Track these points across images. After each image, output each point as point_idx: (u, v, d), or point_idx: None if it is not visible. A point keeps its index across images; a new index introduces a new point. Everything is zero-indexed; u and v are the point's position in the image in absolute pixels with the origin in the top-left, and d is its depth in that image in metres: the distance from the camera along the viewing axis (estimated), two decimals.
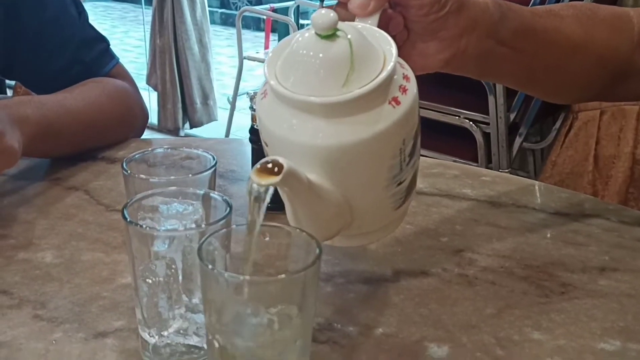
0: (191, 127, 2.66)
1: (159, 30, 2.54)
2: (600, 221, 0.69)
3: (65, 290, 0.57)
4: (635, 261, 0.62)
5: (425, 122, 0.49)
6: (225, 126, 2.66)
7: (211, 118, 2.67)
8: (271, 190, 0.41)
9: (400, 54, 0.45)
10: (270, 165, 0.41)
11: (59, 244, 0.64)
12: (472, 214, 0.70)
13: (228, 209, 0.47)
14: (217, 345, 0.42)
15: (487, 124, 1.67)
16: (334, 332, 0.52)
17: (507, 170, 1.66)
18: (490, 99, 1.64)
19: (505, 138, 1.67)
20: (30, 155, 0.76)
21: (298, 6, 2.79)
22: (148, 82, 2.62)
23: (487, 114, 1.66)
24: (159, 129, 2.60)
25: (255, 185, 0.40)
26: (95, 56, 0.86)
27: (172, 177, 0.53)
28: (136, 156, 0.56)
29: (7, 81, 1.76)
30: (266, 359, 0.41)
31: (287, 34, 2.23)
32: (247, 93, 0.69)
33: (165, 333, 0.48)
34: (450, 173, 0.80)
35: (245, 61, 2.63)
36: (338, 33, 0.43)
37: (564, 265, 0.61)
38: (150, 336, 0.48)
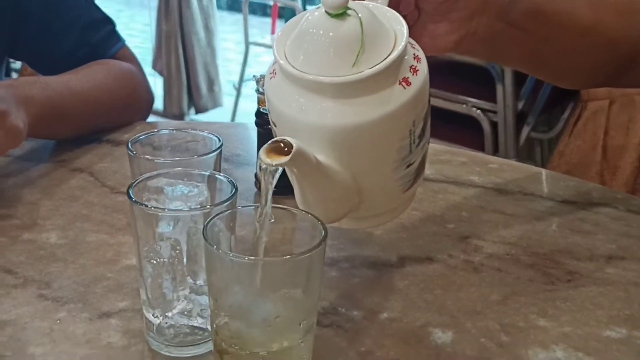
0: (196, 113, 2.66)
1: (165, 15, 2.53)
2: (608, 210, 0.68)
3: (70, 271, 0.57)
4: None
5: (431, 110, 0.48)
6: (230, 112, 2.65)
7: (216, 104, 2.66)
8: (280, 171, 0.41)
9: (411, 34, 0.45)
10: (279, 145, 0.40)
11: (64, 225, 0.64)
12: (479, 201, 0.70)
13: (233, 190, 0.46)
14: (221, 326, 0.41)
15: (495, 112, 1.66)
16: (338, 316, 0.52)
17: (514, 160, 1.65)
18: (498, 87, 1.63)
19: (513, 127, 1.66)
20: (35, 136, 0.75)
21: None
22: (154, 67, 2.61)
23: (495, 102, 1.65)
24: (164, 114, 2.59)
25: (264, 165, 0.40)
26: (101, 38, 0.86)
27: (178, 159, 0.53)
28: (141, 137, 0.56)
29: (13, 65, 1.76)
30: (270, 341, 0.41)
31: None
32: (254, 76, 0.69)
33: (170, 314, 0.48)
34: (458, 160, 0.79)
35: (251, 47, 2.61)
36: (348, 12, 0.43)
37: (570, 253, 0.61)
38: (155, 317, 0.48)
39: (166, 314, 0.48)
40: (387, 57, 0.43)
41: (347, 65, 0.42)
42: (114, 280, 0.56)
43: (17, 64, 1.67)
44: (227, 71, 3.01)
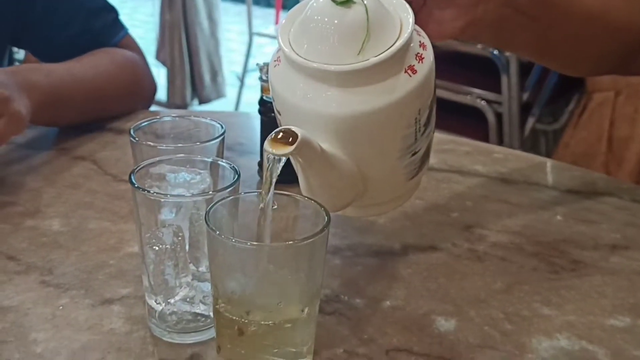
0: (200, 103, 2.65)
1: (169, 6, 2.52)
2: (612, 199, 0.68)
3: (72, 258, 0.57)
4: None
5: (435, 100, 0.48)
6: (233, 103, 2.64)
7: (220, 94, 2.65)
8: (284, 160, 0.40)
9: (417, 20, 0.44)
10: (284, 135, 0.40)
11: (66, 212, 0.63)
12: (483, 190, 0.70)
13: (236, 176, 0.46)
14: (223, 313, 0.41)
15: (499, 103, 1.65)
16: (341, 304, 0.51)
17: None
18: (503, 78, 1.62)
19: (518, 118, 1.65)
20: (38, 123, 0.75)
21: None
22: (157, 57, 2.60)
23: (500, 93, 1.63)
24: (168, 104, 2.59)
25: (269, 155, 0.39)
26: (104, 26, 0.85)
27: (180, 145, 0.53)
28: (144, 124, 0.55)
29: (16, 56, 1.75)
30: (273, 327, 0.41)
31: None
32: (257, 64, 0.69)
33: (172, 301, 0.48)
34: (462, 150, 0.79)
35: (254, 38, 2.60)
36: None
37: (575, 242, 0.60)
38: (157, 303, 0.48)
39: (168, 300, 0.47)
40: (392, 44, 0.42)
41: (353, 53, 0.42)
42: (116, 267, 0.55)
43: (20, 55, 1.67)
44: (231, 62, 3.00)
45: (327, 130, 0.43)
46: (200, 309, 0.48)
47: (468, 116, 1.68)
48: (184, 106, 2.58)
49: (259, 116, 0.69)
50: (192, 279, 0.48)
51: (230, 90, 2.76)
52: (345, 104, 0.43)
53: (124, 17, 0.90)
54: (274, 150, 0.40)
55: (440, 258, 0.58)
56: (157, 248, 0.46)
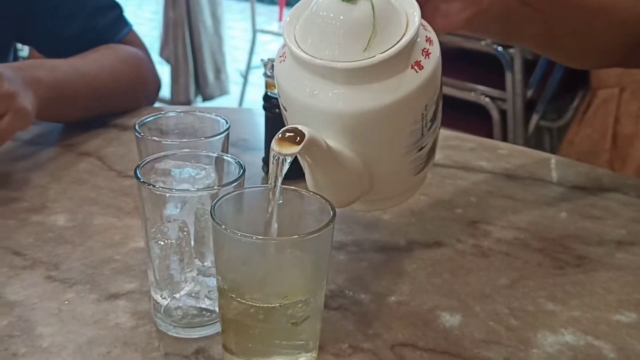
0: (203, 101, 2.65)
1: (173, 3, 2.52)
2: (618, 195, 0.67)
3: (78, 253, 0.57)
4: None
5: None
6: (237, 100, 2.65)
7: (223, 92, 2.66)
8: (290, 160, 0.40)
9: (423, 14, 0.44)
10: (291, 134, 0.40)
11: (72, 208, 0.64)
12: (488, 186, 0.70)
13: (241, 171, 0.46)
14: (228, 307, 0.41)
15: (504, 100, 1.64)
16: (346, 299, 0.51)
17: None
18: (508, 74, 1.61)
19: (522, 115, 1.64)
20: (43, 119, 0.75)
21: None
22: (161, 55, 2.61)
23: (504, 90, 1.63)
24: (171, 102, 2.59)
25: (276, 155, 0.40)
26: (109, 22, 0.85)
27: (185, 140, 0.53)
28: (149, 120, 0.56)
29: (20, 53, 1.76)
30: (278, 322, 0.41)
31: None
32: (262, 60, 0.68)
33: (177, 295, 0.48)
34: (467, 146, 0.78)
35: (258, 35, 2.60)
36: None
37: (580, 238, 0.60)
38: (163, 298, 0.48)
39: (174, 295, 0.48)
40: (399, 41, 0.42)
41: (359, 49, 0.42)
42: (121, 263, 0.56)
43: (24, 52, 1.67)
44: (234, 59, 3.00)
45: (333, 127, 0.43)
46: (205, 303, 0.48)
47: (472, 113, 1.68)
48: (187, 103, 2.58)
49: (262, 112, 0.69)
50: (198, 274, 0.48)
51: (234, 88, 2.77)
52: (351, 101, 0.43)
53: (128, 15, 0.90)
54: (281, 150, 0.40)
55: (445, 254, 0.58)
56: (162, 243, 0.46)
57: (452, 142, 0.79)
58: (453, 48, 1.60)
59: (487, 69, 1.63)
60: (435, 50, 0.45)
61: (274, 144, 0.40)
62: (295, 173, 0.45)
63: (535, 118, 1.69)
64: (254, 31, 2.59)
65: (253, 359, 0.42)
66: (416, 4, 0.44)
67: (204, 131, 0.56)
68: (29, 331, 0.47)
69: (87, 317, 0.49)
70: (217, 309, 0.47)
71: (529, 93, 1.65)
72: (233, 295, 0.41)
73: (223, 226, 0.39)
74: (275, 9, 3.22)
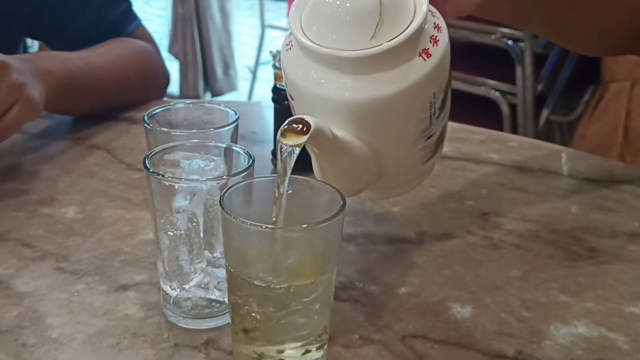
0: (212, 97, 2.66)
1: None
2: (630, 187, 0.67)
3: (88, 245, 0.57)
4: None
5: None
6: (246, 96, 2.65)
7: (232, 87, 2.66)
8: (298, 151, 0.40)
9: (431, 0, 0.44)
10: (297, 125, 0.40)
11: (81, 200, 0.64)
12: (498, 178, 0.69)
13: (250, 160, 0.46)
14: (237, 301, 0.41)
15: (514, 94, 1.63)
16: (356, 291, 0.51)
17: None
18: (518, 68, 1.60)
19: (532, 109, 1.63)
20: (52, 111, 0.76)
21: None
22: (169, 51, 2.61)
23: (514, 84, 1.62)
24: (180, 98, 2.60)
25: (283, 146, 0.39)
26: (118, 16, 0.85)
27: (194, 131, 0.53)
28: (158, 111, 0.55)
29: (30, 50, 1.76)
30: (287, 312, 0.41)
31: None
32: (270, 51, 0.68)
33: (187, 286, 0.48)
34: (476, 138, 0.78)
35: (267, 30, 2.60)
36: None
37: (592, 230, 0.59)
38: (172, 289, 0.48)
39: (183, 286, 0.47)
40: (406, 28, 0.42)
41: (366, 38, 0.41)
42: (131, 254, 0.56)
43: (34, 48, 1.68)
44: (243, 55, 3.00)
45: (340, 116, 0.43)
46: (215, 295, 0.48)
47: (482, 107, 1.67)
48: (196, 99, 2.58)
49: (271, 105, 0.68)
50: (207, 265, 0.48)
51: (243, 84, 2.76)
52: (358, 91, 0.42)
53: (137, 11, 0.90)
54: (287, 141, 0.39)
55: (456, 245, 0.57)
56: (171, 234, 0.46)
57: (462, 135, 0.78)
58: (462, 42, 1.59)
59: (497, 63, 1.62)
60: (444, 37, 0.44)
61: (280, 136, 0.40)
62: (301, 165, 0.44)
63: (545, 112, 1.68)
64: (263, 27, 2.59)
65: (262, 349, 0.42)
66: None
67: (213, 123, 0.56)
68: (38, 322, 0.48)
69: (97, 308, 0.49)
70: (226, 300, 0.46)
71: (540, 87, 1.63)
72: (241, 279, 0.40)
73: (232, 215, 0.39)
74: (283, 4, 3.21)
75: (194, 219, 0.47)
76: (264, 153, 0.71)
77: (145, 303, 0.50)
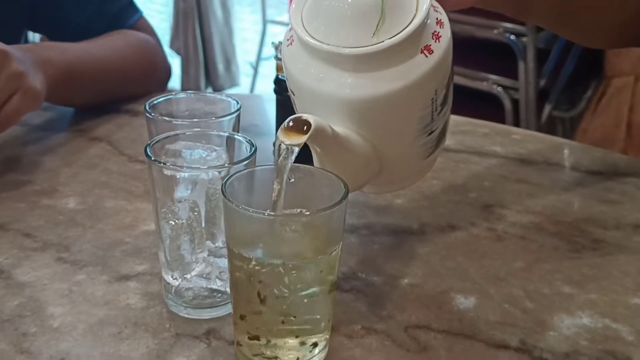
0: (213, 92, 2.66)
1: None
2: (635, 179, 0.66)
3: (89, 235, 0.57)
4: None
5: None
6: (247, 92, 2.64)
7: (233, 83, 2.65)
8: (297, 150, 0.39)
9: None
10: (297, 123, 0.39)
11: (83, 191, 0.63)
12: (502, 170, 0.69)
13: (252, 149, 0.45)
14: (240, 289, 0.41)
15: (516, 89, 1.62)
16: (359, 281, 0.51)
17: None
18: (520, 64, 1.59)
19: (534, 105, 1.63)
20: (52, 102, 0.75)
21: None
22: (171, 46, 2.60)
23: (516, 79, 1.61)
24: None
25: (283, 145, 0.39)
26: (119, 9, 0.85)
27: (196, 120, 0.52)
28: (160, 101, 0.55)
29: (31, 41, 1.76)
30: (290, 301, 0.40)
31: None
32: (272, 42, 0.68)
33: (188, 276, 0.47)
34: (480, 131, 0.77)
35: (268, 26, 2.59)
36: None
37: (596, 222, 0.59)
38: (173, 279, 0.47)
39: (185, 276, 0.47)
40: (408, 25, 0.41)
41: (367, 34, 0.41)
42: (132, 245, 0.55)
43: (35, 41, 1.67)
44: (245, 51, 2.99)
45: (341, 112, 0.43)
46: (216, 284, 0.47)
47: (484, 102, 1.67)
48: None
49: (273, 98, 0.68)
50: (209, 255, 0.47)
51: (244, 80, 2.76)
52: (359, 88, 0.42)
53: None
54: (287, 140, 0.39)
55: (459, 237, 0.57)
56: (173, 223, 0.46)
57: (465, 128, 0.78)
58: (465, 37, 1.58)
59: (500, 58, 1.61)
60: (446, 33, 0.43)
61: (280, 134, 0.39)
62: (304, 160, 0.44)
63: (548, 108, 1.67)
64: (264, 22, 2.58)
65: (264, 339, 0.41)
66: None
67: (215, 113, 0.56)
68: (39, 311, 0.47)
69: (98, 297, 0.49)
70: (228, 289, 0.46)
71: (542, 82, 1.63)
72: (244, 273, 0.40)
73: (234, 203, 0.39)
74: (285, 0, 3.21)
75: (196, 209, 0.47)
76: (265, 146, 0.70)
77: (146, 293, 0.49)
